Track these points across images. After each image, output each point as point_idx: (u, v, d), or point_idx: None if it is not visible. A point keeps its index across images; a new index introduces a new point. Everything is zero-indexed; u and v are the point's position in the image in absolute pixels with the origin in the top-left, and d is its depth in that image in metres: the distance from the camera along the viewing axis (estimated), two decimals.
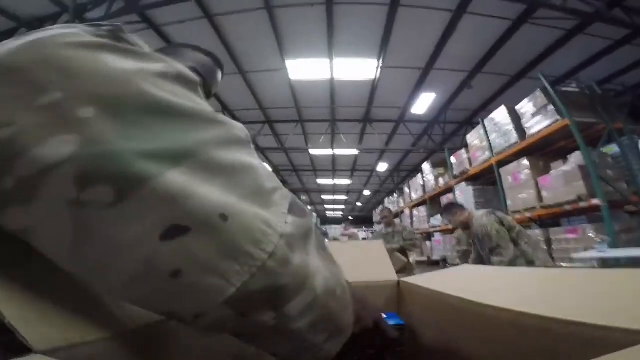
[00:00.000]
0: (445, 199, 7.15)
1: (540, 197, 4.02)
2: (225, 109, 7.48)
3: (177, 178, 0.19)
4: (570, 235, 3.57)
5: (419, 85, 6.07)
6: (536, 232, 4.11)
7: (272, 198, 0.24)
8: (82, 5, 4.26)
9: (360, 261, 0.75)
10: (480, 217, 2.33)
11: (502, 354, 0.33)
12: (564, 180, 3.60)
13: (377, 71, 5.65)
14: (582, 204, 3.31)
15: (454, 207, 2.63)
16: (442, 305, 0.46)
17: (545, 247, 3.83)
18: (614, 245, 2.93)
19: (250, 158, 0.25)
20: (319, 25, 4.70)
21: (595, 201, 3.17)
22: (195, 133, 0.22)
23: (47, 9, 4.32)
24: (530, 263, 2.14)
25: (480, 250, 2.33)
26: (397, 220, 3.87)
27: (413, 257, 3.76)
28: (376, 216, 15.39)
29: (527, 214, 4.23)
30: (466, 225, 2.47)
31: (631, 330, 0.21)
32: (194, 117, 0.23)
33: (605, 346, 0.21)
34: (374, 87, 6.26)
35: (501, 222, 2.24)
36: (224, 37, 4.97)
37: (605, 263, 2.96)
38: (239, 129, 0.26)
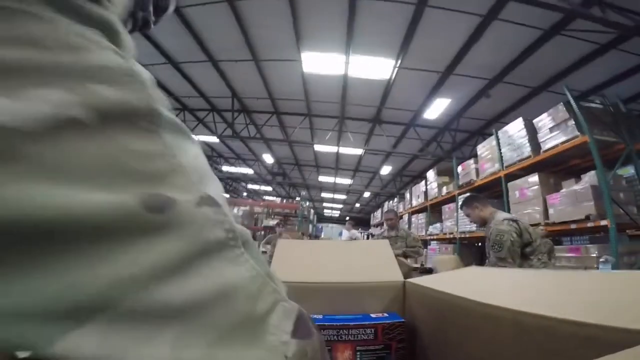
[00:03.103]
0: (447, 208, 7.08)
1: (546, 215, 3.94)
2: (235, 95, 7.40)
3: (83, 345, 0.12)
4: (571, 254, 3.52)
5: (435, 89, 5.97)
6: None
7: (267, 323, 0.18)
8: None
9: (366, 261, 0.74)
10: (501, 221, 2.18)
11: (505, 353, 0.34)
12: (574, 199, 3.53)
13: (393, 71, 5.56)
14: (589, 224, 3.24)
15: (475, 200, 2.46)
16: (447, 305, 0.47)
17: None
18: (616, 266, 2.87)
19: (230, 272, 0.17)
20: (339, 19, 4.60)
21: (604, 222, 3.11)
22: (111, 265, 0.13)
23: None
24: None
25: (486, 249, 2.27)
26: (402, 225, 3.73)
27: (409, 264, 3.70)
28: (374, 219, 15.34)
29: None
30: (484, 222, 2.36)
31: (632, 330, 0.21)
32: (114, 231, 0.14)
33: (606, 346, 0.21)
34: (388, 87, 6.17)
35: (520, 234, 2.11)
36: (243, 23, 4.88)
37: None
38: (211, 221, 0.18)
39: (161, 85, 5.10)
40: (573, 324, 0.26)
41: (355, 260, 0.75)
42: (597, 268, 2.77)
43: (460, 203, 2.76)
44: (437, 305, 0.51)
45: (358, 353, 0.53)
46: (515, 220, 2.17)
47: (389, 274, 0.68)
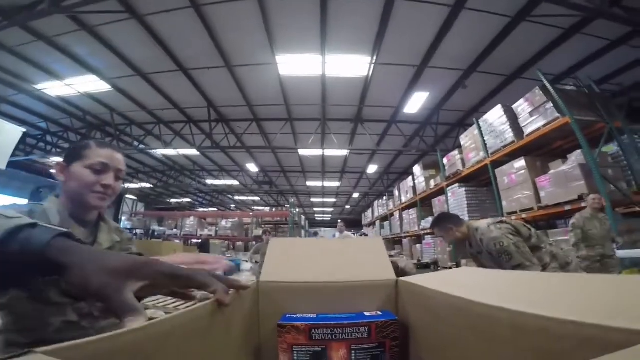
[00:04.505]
0: (437, 201, 7.03)
1: (538, 198, 3.90)
2: (210, 105, 7.17)
3: None
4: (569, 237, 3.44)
5: (413, 83, 5.93)
6: None
7: None
8: None
9: (357, 259, 0.73)
10: (488, 229, 1.87)
11: (501, 354, 0.33)
12: (564, 180, 3.49)
13: (370, 68, 5.48)
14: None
15: (446, 220, 2.12)
16: (441, 304, 0.46)
17: None
18: (620, 246, 2.80)
19: None
20: (312, 18, 4.49)
21: None
22: None
23: None
24: (565, 266, 1.82)
25: (495, 267, 1.87)
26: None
27: (405, 261, 3.56)
28: (365, 219, 15.26)
29: (524, 215, 4.11)
30: (464, 239, 2.05)
31: (630, 330, 0.21)
32: None
33: (603, 346, 0.21)
34: (366, 84, 6.09)
35: (517, 231, 1.85)
36: (212, 29, 4.71)
37: None
38: None
39: (132, 99, 4.83)
40: (571, 324, 0.25)
41: (348, 259, 0.74)
42: None
43: (430, 224, 2.37)
44: (432, 305, 0.50)
45: (353, 352, 0.53)
46: (501, 221, 1.92)
47: (381, 272, 0.67)
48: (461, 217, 5.25)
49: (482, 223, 1.98)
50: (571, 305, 0.32)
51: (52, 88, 6.24)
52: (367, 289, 0.63)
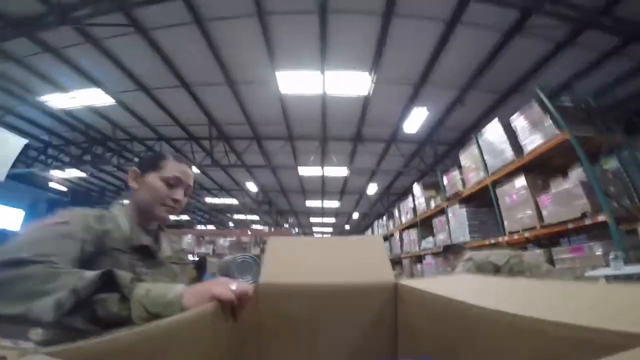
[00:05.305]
0: (437, 222, 6.90)
1: (540, 217, 3.80)
2: (213, 123, 7.25)
3: None
4: (574, 254, 3.33)
5: (412, 100, 6.00)
6: (537, 252, 3.86)
7: None
8: (69, 5, 4.07)
9: (357, 259, 0.72)
10: (461, 266, 2.09)
11: (499, 356, 0.34)
12: (566, 198, 3.42)
13: (370, 87, 5.57)
14: (587, 221, 3.10)
15: (448, 250, 2.40)
16: (440, 307, 0.46)
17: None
18: (627, 261, 2.69)
19: None
20: (311, 35, 4.62)
21: (601, 218, 2.97)
22: None
23: (33, 7, 4.10)
24: None
25: None
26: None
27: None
28: None
29: (527, 234, 4.00)
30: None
31: (625, 333, 0.21)
32: None
33: (601, 349, 0.21)
34: (366, 103, 6.17)
35: (478, 269, 2.01)
36: (214, 44, 4.83)
37: (615, 281, 2.71)
38: None
39: (134, 114, 4.87)
40: (568, 327, 0.26)
41: (347, 259, 0.73)
42: (608, 266, 2.58)
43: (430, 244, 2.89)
44: (431, 307, 0.50)
45: None
46: (469, 259, 2.09)
47: (381, 273, 0.66)
48: (462, 238, 5.10)
49: (466, 257, 2.19)
50: (568, 309, 0.33)
51: (56, 100, 6.30)
52: (367, 291, 0.62)
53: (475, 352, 0.38)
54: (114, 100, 6.26)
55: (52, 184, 11.04)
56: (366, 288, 0.62)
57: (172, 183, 0.91)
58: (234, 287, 0.51)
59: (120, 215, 0.86)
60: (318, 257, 0.74)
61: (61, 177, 10.43)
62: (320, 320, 0.59)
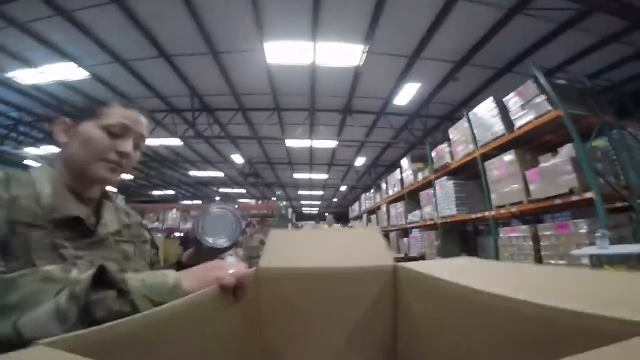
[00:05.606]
0: (424, 194, 7.03)
1: (527, 191, 3.90)
2: (194, 93, 6.86)
3: None
4: (559, 232, 3.44)
5: (404, 74, 5.84)
6: (522, 228, 4.01)
7: None
8: None
9: (356, 246, 0.74)
10: None
11: (500, 342, 0.34)
12: (554, 173, 3.49)
13: (361, 57, 5.33)
14: (574, 198, 3.20)
15: None
16: (441, 291, 0.46)
17: (532, 244, 3.73)
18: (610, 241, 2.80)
19: None
20: (304, 2, 4.28)
21: (588, 194, 3.06)
22: None
23: None
24: None
25: None
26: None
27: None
28: (352, 212, 15.28)
29: (513, 209, 4.12)
30: None
31: (631, 322, 0.21)
32: None
33: (605, 336, 0.21)
34: (357, 74, 5.95)
35: None
36: (196, 12, 4.43)
37: (597, 260, 2.84)
38: None
39: (110, 87, 4.50)
40: (572, 314, 0.25)
41: (347, 247, 0.75)
42: (594, 244, 2.67)
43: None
44: (431, 291, 0.50)
45: None
46: None
47: (377, 258, 0.67)
48: (449, 211, 5.19)
49: None
50: (573, 296, 0.33)
51: (25, 76, 5.82)
52: (366, 274, 0.63)
53: (475, 336, 0.38)
54: (89, 74, 5.80)
55: (27, 162, 10.48)
56: (365, 271, 0.63)
57: (117, 132, 0.69)
58: (232, 270, 0.49)
59: (41, 177, 0.65)
60: (317, 245, 0.76)
61: (37, 154, 9.89)
62: (320, 304, 0.60)
